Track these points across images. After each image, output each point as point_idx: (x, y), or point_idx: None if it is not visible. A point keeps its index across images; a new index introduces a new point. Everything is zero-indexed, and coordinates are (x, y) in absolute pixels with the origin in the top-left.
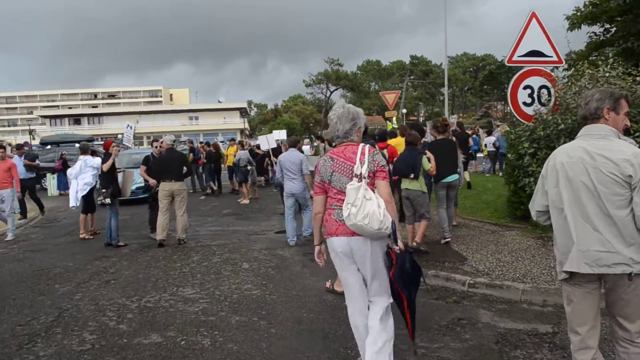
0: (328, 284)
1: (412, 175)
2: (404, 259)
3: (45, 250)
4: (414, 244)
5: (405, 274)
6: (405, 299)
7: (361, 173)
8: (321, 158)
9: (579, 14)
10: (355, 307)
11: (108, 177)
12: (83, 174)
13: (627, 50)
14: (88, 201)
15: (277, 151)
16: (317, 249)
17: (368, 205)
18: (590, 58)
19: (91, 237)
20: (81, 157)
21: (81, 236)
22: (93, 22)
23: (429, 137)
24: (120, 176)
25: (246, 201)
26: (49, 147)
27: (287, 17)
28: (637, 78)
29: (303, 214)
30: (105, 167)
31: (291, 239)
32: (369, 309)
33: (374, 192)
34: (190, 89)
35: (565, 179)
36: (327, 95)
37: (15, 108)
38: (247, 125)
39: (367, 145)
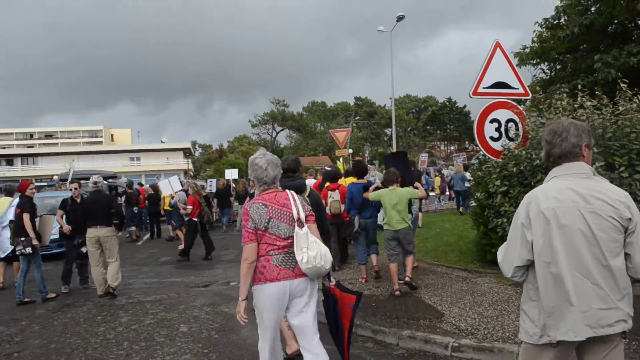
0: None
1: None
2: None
3: None
4: (407, 278)
5: (332, 308)
6: (348, 328)
7: (299, 218)
8: (248, 205)
9: (526, 50)
10: (277, 347)
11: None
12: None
13: (577, 87)
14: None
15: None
16: (243, 304)
17: (318, 248)
18: (539, 95)
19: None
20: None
21: None
22: (31, 58)
23: (375, 177)
24: (37, 221)
25: (182, 246)
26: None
27: (233, 57)
28: (620, 108)
29: None
30: (27, 218)
31: None
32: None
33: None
34: (133, 129)
35: (557, 227)
36: (273, 135)
37: None
38: (191, 166)
39: (292, 192)
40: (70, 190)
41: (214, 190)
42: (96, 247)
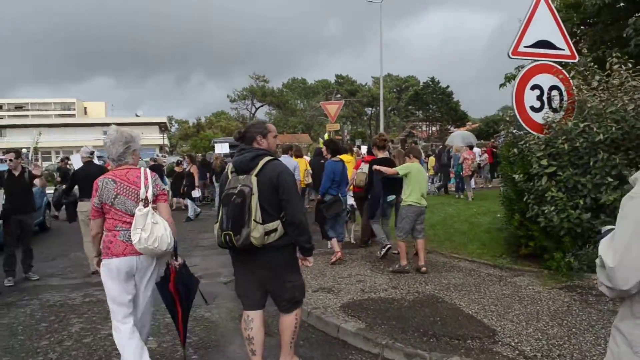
0: None
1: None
2: (182, 272)
3: None
4: (423, 269)
5: (184, 286)
6: (180, 310)
7: (147, 197)
8: (99, 180)
9: None
10: (128, 326)
11: None
12: None
13: (597, 60)
14: None
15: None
16: (96, 259)
17: (156, 230)
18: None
19: None
20: None
21: None
22: (5, 27)
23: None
24: None
25: None
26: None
27: (214, 31)
28: None
29: None
30: None
31: None
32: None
33: (158, 215)
34: (108, 102)
35: None
36: (253, 111)
37: None
38: (166, 141)
39: (148, 170)
40: (5, 161)
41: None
42: (86, 223)
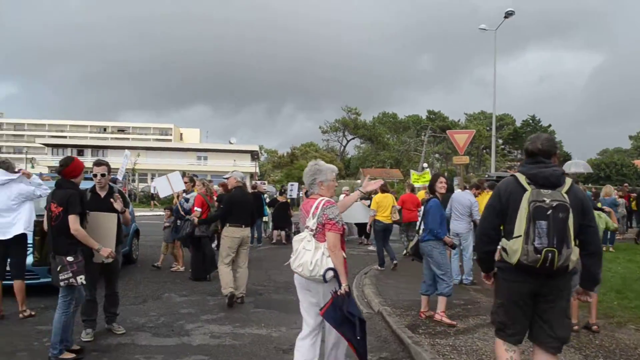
0: None
1: None
2: (341, 301)
3: None
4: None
5: (338, 316)
6: (345, 337)
7: (309, 226)
8: None
9: None
10: (304, 333)
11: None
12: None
13: None
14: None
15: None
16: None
17: (305, 256)
18: None
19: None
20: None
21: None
22: (120, 60)
23: None
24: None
25: (180, 267)
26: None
27: (307, 67)
28: None
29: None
30: (76, 221)
31: (455, 277)
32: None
33: (321, 242)
34: (202, 129)
35: None
36: (344, 143)
37: (22, 136)
38: (257, 170)
39: (324, 199)
40: (95, 177)
41: (294, 196)
42: (233, 249)
